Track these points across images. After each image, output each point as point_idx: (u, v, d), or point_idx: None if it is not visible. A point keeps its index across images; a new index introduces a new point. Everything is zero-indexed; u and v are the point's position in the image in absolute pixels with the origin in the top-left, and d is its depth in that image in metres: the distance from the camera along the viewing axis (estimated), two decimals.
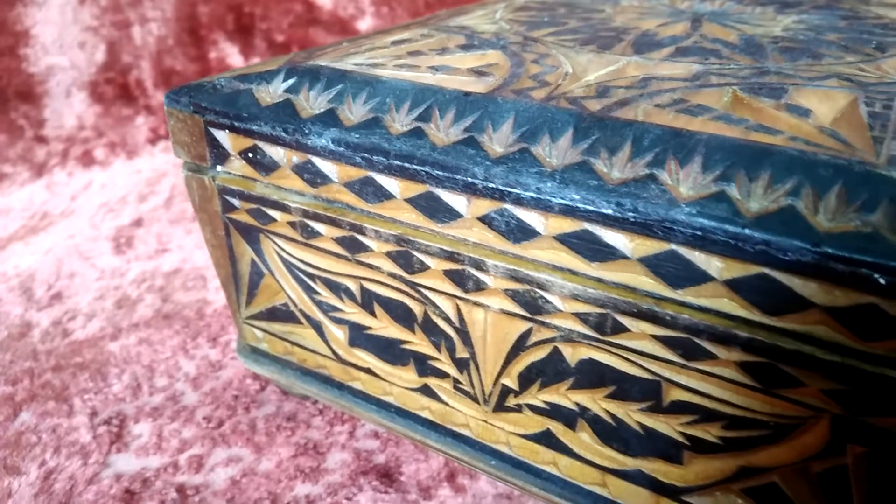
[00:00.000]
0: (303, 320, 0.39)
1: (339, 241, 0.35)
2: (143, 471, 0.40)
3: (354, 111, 0.33)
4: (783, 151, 0.26)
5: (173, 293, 0.55)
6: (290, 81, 0.36)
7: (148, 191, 0.73)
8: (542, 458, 0.34)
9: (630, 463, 0.31)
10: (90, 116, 0.82)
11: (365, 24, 0.83)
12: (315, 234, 0.36)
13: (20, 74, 0.78)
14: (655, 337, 0.27)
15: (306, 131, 0.33)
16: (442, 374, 0.35)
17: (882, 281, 0.22)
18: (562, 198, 0.27)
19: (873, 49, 0.39)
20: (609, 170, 0.27)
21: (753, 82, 0.33)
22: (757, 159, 0.26)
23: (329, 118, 0.33)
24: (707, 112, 0.29)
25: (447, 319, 0.33)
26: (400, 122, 0.32)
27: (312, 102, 0.34)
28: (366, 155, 0.32)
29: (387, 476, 0.40)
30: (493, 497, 0.39)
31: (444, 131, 0.31)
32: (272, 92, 0.36)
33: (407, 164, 0.31)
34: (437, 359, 0.35)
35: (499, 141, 0.30)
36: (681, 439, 0.29)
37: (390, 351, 0.37)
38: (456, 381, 0.35)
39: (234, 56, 0.84)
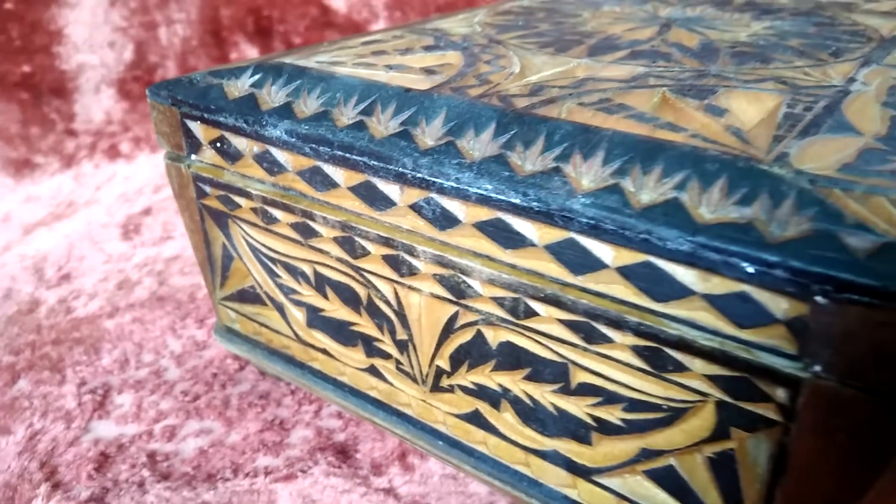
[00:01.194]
0: (268, 302, 0.42)
1: (294, 226, 0.37)
2: (120, 437, 0.43)
3: (308, 105, 0.36)
4: (678, 147, 0.27)
5: (170, 277, 0.58)
6: (256, 77, 0.38)
7: (164, 182, 0.77)
8: (474, 437, 0.35)
9: (548, 443, 0.33)
10: (117, 112, 0.87)
11: (378, 27, 0.86)
12: (274, 220, 0.38)
13: (53, 71, 0.83)
14: (561, 321, 0.29)
15: (264, 122, 0.36)
16: (386, 356, 0.37)
17: (750, 269, 0.23)
18: (477, 188, 0.29)
19: (829, 54, 0.40)
20: (522, 162, 0.29)
21: (688, 84, 0.34)
22: (653, 154, 0.27)
23: (285, 111, 0.36)
24: (624, 111, 0.31)
25: (387, 302, 0.35)
26: (346, 115, 0.34)
27: (273, 96, 0.37)
28: (314, 145, 0.34)
29: (343, 453, 0.42)
30: (439, 477, 0.40)
31: (383, 124, 0.33)
32: (239, 86, 0.38)
33: (348, 155, 0.33)
34: (381, 340, 0.37)
35: (430, 134, 0.32)
36: (589, 420, 0.30)
37: (342, 332, 0.39)
38: (398, 362, 0.37)
39: (253, 57, 0.87)
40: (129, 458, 0.42)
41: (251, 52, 0.87)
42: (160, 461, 0.42)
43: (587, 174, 0.27)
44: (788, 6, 0.54)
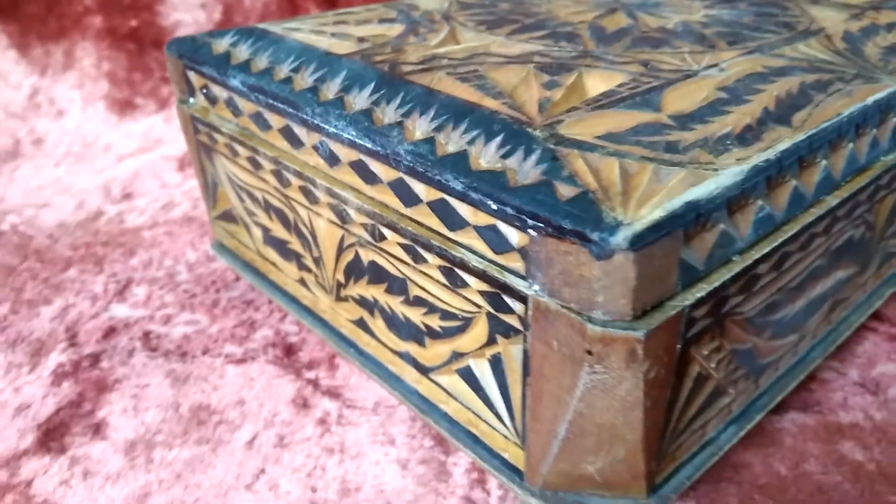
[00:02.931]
0: (240, 222, 0.52)
1: (249, 160, 0.47)
2: (128, 317, 0.55)
3: (260, 62, 0.44)
4: (484, 111, 0.34)
5: (202, 203, 0.70)
6: (234, 38, 0.48)
7: None
8: (363, 339, 0.44)
9: (402, 346, 0.40)
10: None
11: None
12: (237, 154, 0.48)
13: (154, 27, 0.97)
14: (399, 244, 0.37)
15: (229, 74, 0.45)
16: (308, 269, 0.46)
17: (494, 207, 0.30)
18: (348, 134, 0.37)
19: (726, 43, 0.44)
20: (382, 116, 0.37)
21: (561, 63, 0.40)
22: (464, 115, 0.34)
23: (245, 66, 0.45)
24: (477, 80, 0.37)
25: (305, 225, 0.44)
26: (283, 71, 0.43)
27: (241, 54, 0.46)
28: (257, 94, 0.43)
29: (289, 350, 0.52)
30: (356, 376, 0.49)
31: (304, 80, 0.41)
32: (222, 45, 0.48)
33: (276, 103, 0.42)
34: (304, 256, 0.46)
35: (330, 90, 0.40)
36: (422, 327, 0.38)
37: (282, 249, 0.48)
38: (316, 275, 0.46)
39: None
40: (130, 332, 0.54)
41: None
42: (152, 338, 0.53)
43: (420, 128, 0.35)
44: None
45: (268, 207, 0.47)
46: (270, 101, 0.42)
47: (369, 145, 0.36)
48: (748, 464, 0.42)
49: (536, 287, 0.30)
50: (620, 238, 0.26)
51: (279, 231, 0.47)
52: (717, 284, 0.30)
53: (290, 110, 0.41)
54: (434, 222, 0.34)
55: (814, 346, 0.44)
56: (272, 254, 0.50)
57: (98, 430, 0.45)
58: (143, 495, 0.41)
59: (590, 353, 0.29)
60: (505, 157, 0.31)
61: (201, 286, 0.59)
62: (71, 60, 1.00)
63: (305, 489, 0.41)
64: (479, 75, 0.38)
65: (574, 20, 0.49)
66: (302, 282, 0.47)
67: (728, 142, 0.32)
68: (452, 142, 0.33)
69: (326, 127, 0.38)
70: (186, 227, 0.67)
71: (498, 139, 0.32)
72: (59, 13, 0.99)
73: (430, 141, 0.34)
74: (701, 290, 0.30)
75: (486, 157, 0.32)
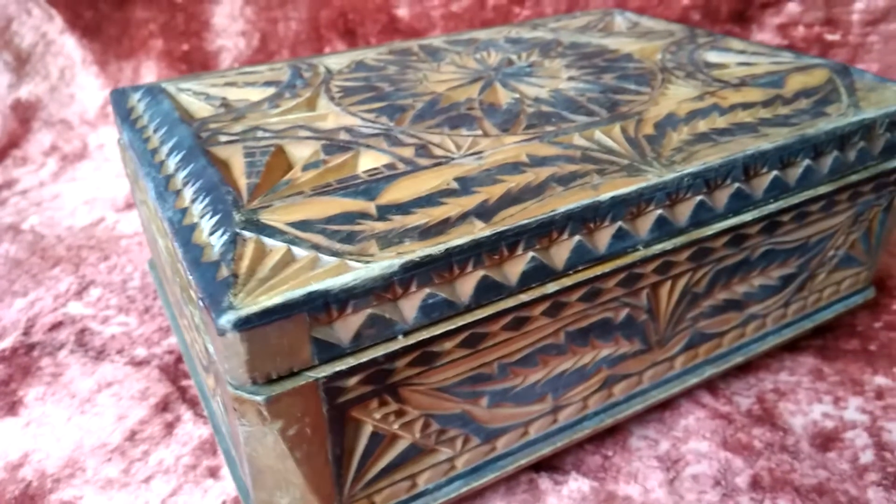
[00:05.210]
0: (155, 243, 0.61)
1: (140, 197, 0.56)
2: (78, 314, 0.67)
3: (143, 120, 0.53)
4: (225, 189, 0.40)
5: None
6: (140, 94, 0.57)
7: None
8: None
9: (203, 374, 0.48)
10: None
11: (434, 33, 0.98)
12: (136, 191, 0.57)
13: (201, 51, 1.10)
14: (178, 289, 0.44)
15: (123, 127, 0.54)
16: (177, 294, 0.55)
17: (190, 276, 0.36)
18: (152, 194, 0.45)
19: (525, 127, 0.47)
20: (176, 184, 0.44)
21: (353, 141, 0.45)
22: (212, 191, 0.40)
23: (133, 122, 0.54)
24: (259, 156, 0.44)
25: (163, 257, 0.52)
26: (148, 131, 0.51)
27: (136, 111, 0.55)
28: (130, 147, 0.52)
29: (180, 359, 0.61)
30: None
31: (154, 141, 0.49)
32: (133, 100, 0.57)
33: (137, 157, 0.50)
34: (172, 283, 0.54)
35: (162, 153, 0.47)
36: (203, 361, 0.45)
37: (165, 273, 0.57)
38: (181, 299, 0.54)
39: (341, 50, 1.06)
40: (72, 328, 0.65)
41: (340, 46, 1.06)
42: (86, 334, 0.64)
43: (186, 198, 0.42)
44: (637, 67, 0.58)
45: (155, 234, 0.56)
46: (134, 155, 0.51)
47: (159, 208, 0.43)
48: None
49: (211, 349, 0.36)
50: (225, 320, 0.32)
51: (159, 259, 0.56)
52: (365, 360, 0.35)
53: (140, 165, 0.49)
54: (185, 278, 0.41)
55: (586, 416, 0.46)
56: (169, 273, 0.59)
57: (12, 407, 0.57)
58: (21, 463, 0.51)
59: (235, 409, 0.35)
60: (211, 234, 0.37)
61: (143, 293, 0.69)
62: (137, 77, 1.15)
63: (130, 476, 0.50)
64: (268, 151, 0.44)
65: (427, 91, 0.54)
66: (176, 303, 0.56)
67: (409, 235, 0.36)
68: (196, 214, 0.40)
69: (147, 186, 0.46)
70: None
71: (217, 217, 0.38)
72: (130, 35, 1.15)
73: (184, 211, 0.40)
74: (344, 364, 0.35)
75: (205, 232, 0.38)
